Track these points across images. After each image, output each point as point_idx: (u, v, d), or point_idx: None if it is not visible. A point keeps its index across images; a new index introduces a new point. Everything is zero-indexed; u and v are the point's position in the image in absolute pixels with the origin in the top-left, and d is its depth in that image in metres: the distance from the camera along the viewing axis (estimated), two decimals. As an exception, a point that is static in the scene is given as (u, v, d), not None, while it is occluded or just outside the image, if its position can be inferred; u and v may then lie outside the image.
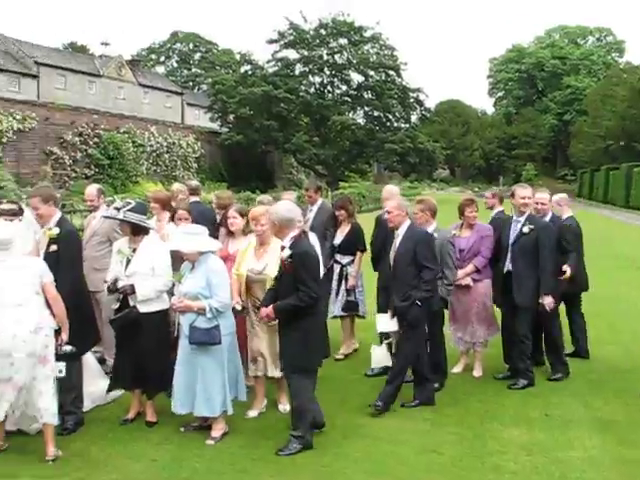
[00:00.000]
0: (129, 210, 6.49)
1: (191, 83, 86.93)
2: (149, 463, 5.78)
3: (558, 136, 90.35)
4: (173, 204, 8.31)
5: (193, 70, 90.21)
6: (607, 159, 65.02)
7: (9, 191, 31.81)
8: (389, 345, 7.67)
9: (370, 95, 57.49)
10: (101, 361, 7.81)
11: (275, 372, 6.84)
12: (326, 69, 57.43)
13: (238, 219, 7.41)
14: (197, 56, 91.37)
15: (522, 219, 7.97)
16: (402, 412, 7.05)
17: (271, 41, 56.94)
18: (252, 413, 6.94)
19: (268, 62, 57.73)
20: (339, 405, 7.22)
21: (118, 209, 6.51)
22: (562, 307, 8.83)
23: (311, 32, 56.39)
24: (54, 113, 40.42)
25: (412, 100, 58.44)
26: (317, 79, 58.54)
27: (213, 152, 53.89)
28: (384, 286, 7.97)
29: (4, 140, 36.76)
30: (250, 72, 57.82)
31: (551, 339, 8.43)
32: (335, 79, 58.36)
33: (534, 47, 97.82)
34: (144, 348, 6.45)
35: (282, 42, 56.84)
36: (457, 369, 8.47)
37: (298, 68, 57.71)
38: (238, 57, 65.25)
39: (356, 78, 58.19)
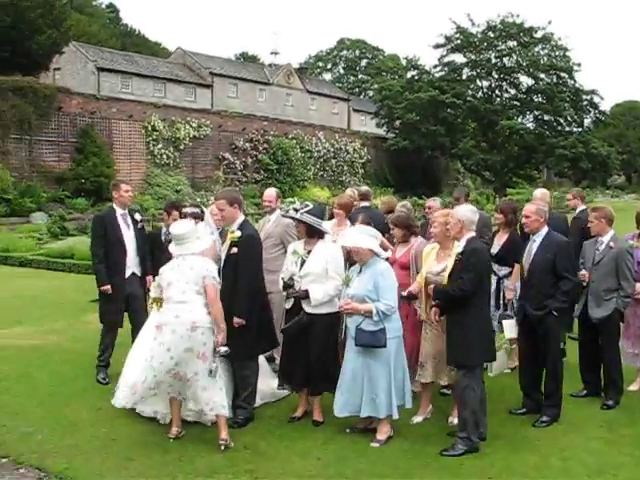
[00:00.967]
0: (306, 212, 6.70)
1: (357, 89, 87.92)
2: (315, 461, 5.93)
3: None
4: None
5: (359, 76, 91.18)
6: None
7: (185, 195, 33.62)
8: (507, 350, 7.38)
9: (540, 99, 55.80)
10: (270, 359, 8.07)
11: (444, 380, 6.83)
12: (494, 73, 56.37)
13: (395, 230, 7.50)
14: (363, 62, 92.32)
15: None
16: (573, 428, 6.79)
17: (437, 45, 56.64)
18: (417, 419, 6.93)
19: (435, 67, 57.59)
20: (505, 413, 7.09)
21: (297, 210, 6.75)
22: None
23: (479, 35, 55.54)
24: (227, 120, 42.27)
25: (585, 103, 56.08)
26: (485, 83, 57.66)
27: (379, 157, 54.28)
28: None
29: (181, 147, 38.86)
30: (416, 77, 57.84)
31: None
32: (503, 83, 57.15)
33: None
34: (313, 348, 6.61)
35: (449, 46, 56.44)
36: (634, 387, 8.03)
37: (465, 72, 57.09)
38: (404, 62, 65.41)
39: (525, 81, 56.85)
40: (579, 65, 55.48)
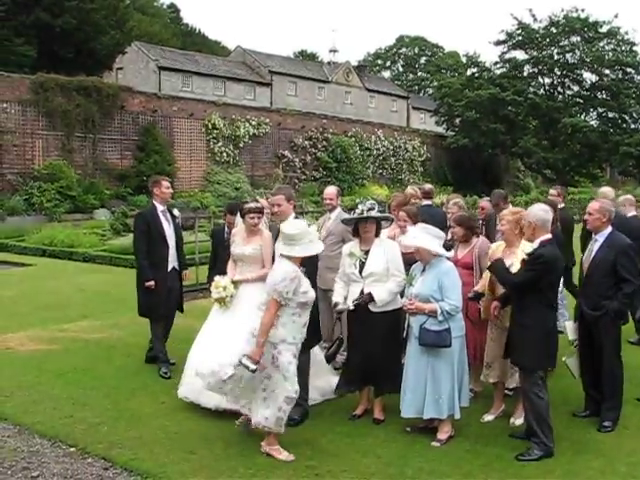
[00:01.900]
0: (370, 210, 6.71)
1: (417, 87, 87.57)
2: (375, 459, 5.93)
3: None
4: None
5: (419, 74, 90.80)
6: None
7: (244, 192, 33.92)
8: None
9: (604, 95, 54.56)
10: (330, 358, 8.08)
11: (511, 382, 6.77)
12: (556, 69, 55.37)
13: (457, 228, 7.45)
14: (423, 60, 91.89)
15: None
16: (637, 432, 6.68)
17: (498, 42, 55.91)
18: (488, 417, 6.89)
19: (495, 64, 56.86)
20: (568, 416, 6.98)
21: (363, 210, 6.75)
22: None
23: (541, 31, 54.60)
24: (286, 118, 42.47)
25: (652, 99, 54.68)
26: (547, 80, 56.71)
27: (438, 155, 53.92)
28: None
29: (241, 145, 39.21)
30: (477, 75, 57.25)
31: None
32: (566, 79, 56.08)
33: None
34: (376, 346, 6.62)
35: (510, 43, 55.64)
36: None
37: (527, 69, 56.23)
38: (464, 60, 64.76)
39: (589, 77, 55.67)
40: (646, 60, 54.11)
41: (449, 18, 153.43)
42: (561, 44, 54.63)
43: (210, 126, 37.65)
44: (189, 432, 6.49)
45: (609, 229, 6.80)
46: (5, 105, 29.87)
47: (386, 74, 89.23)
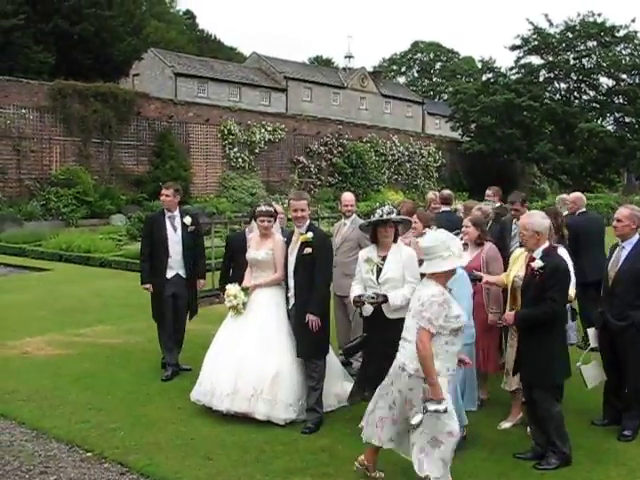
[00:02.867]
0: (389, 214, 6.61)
1: (432, 92, 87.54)
2: (392, 466, 5.87)
3: None
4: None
5: (434, 79, 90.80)
6: None
7: (260, 198, 33.95)
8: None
9: (621, 100, 54.21)
10: (346, 364, 8.09)
11: (512, 384, 6.71)
12: (573, 74, 55.09)
13: (471, 228, 7.37)
14: (438, 65, 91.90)
15: None
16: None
17: (514, 47, 55.70)
18: (505, 424, 6.86)
19: (511, 69, 56.66)
20: (587, 424, 6.92)
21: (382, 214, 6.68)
22: None
23: (557, 36, 54.32)
24: (301, 124, 42.51)
25: (670, 104, 54.25)
26: (563, 85, 56.40)
27: (454, 161, 53.78)
28: None
29: (257, 150, 39.28)
30: (492, 80, 57.02)
31: None
32: (582, 84, 55.78)
33: None
34: (392, 353, 6.53)
35: (525, 48, 55.40)
36: None
37: (542, 74, 55.94)
38: (479, 65, 64.62)
39: (605, 82, 55.25)
40: (665, 65, 53.67)
41: (464, 23, 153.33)
42: (577, 49, 54.33)
43: (226, 132, 37.75)
44: (205, 438, 6.49)
45: (637, 237, 6.73)
46: (24, 111, 30.06)
47: (401, 80, 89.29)
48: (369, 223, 6.75)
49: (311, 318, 6.74)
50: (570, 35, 54.09)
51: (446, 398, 5.13)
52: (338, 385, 7.38)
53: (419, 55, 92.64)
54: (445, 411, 5.05)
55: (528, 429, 6.65)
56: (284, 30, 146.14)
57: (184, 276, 8.55)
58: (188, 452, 6.14)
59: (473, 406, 6.54)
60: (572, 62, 54.58)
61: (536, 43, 54.87)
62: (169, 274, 8.45)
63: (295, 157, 41.56)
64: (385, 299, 6.42)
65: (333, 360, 7.39)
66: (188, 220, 8.63)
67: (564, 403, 6.28)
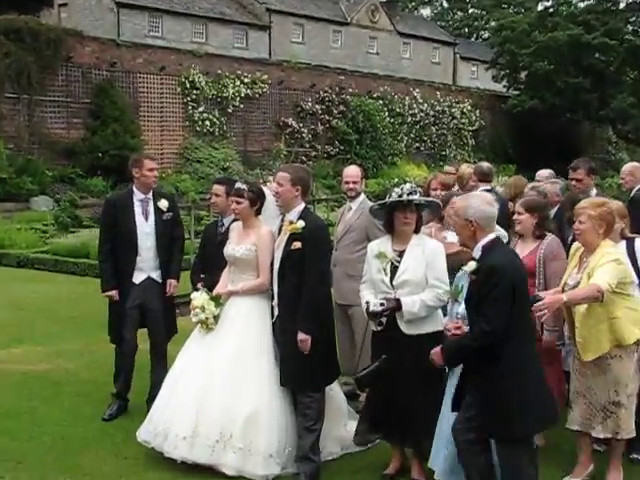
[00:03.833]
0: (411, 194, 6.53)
1: (467, 29, 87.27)
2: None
3: None
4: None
5: (470, 11, 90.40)
6: None
7: (234, 174, 33.85)
8: None
9: None
10: (352, 396, 8.11)
11: (596, 431, 6.63)
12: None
13: (524, 216, 7.37)
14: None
15: None
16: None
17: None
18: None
19: (578, -6, 56.56)
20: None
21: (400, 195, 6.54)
22: None
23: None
24: (289, 74, 42.46)
25: None
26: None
27: (496, 123, 53.77)
28: None
29: (230, 110, 39.14)
30: (551, 10, 56.89)
31: None
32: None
33: None
34: (408, 383, 6.47)
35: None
36: None
37: (624, 0, 55.77)
38: (533, -11, 64.60)
39: None
40: None
41: None
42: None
43: (188, 84, 37.71)
44: (162, 498, 6.52)
45: None
46: None
47: (425, 12, 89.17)
48: (383, 205, 6.69)
49: (300, 338, 6.63)
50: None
51: None
52: (342, 427, 7.38)
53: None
54: None
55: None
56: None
57: (158, 280, 8.37)
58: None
59: None
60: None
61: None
62: (137, 278, 8.25)
63: (282, 119, 41.53)
64: (397, 304, 6.37)
65: (336, 394, 7.39)
66: (164, 204, 8.37)
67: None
